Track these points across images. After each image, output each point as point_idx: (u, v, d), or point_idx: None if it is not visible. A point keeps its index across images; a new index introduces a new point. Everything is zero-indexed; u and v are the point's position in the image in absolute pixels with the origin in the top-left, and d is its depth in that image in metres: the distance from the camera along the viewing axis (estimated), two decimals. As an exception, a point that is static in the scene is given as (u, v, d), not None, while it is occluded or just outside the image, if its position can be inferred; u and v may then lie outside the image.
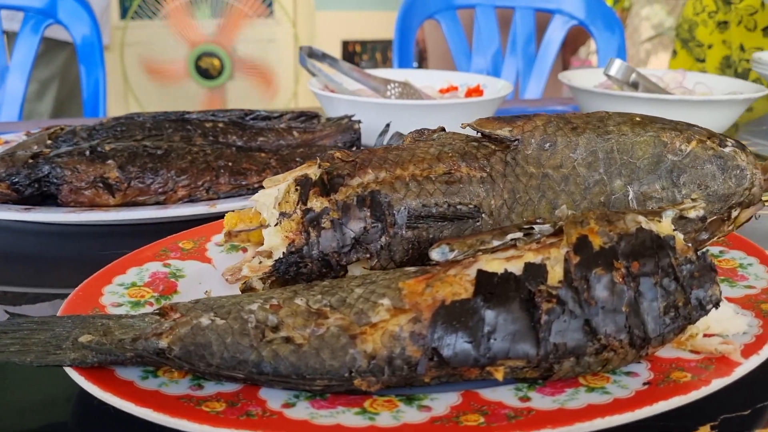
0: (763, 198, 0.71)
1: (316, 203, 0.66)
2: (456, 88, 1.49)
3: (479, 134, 0.73)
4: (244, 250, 0.79)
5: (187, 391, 0.54)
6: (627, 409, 0.50)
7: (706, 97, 1.41)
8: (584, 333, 0.54)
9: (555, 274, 0.55)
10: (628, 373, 0.56)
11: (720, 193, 0.71)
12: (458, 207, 0.68)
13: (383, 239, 0.65)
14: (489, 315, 0.53)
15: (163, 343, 0.55)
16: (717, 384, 0.53)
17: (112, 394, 0.52)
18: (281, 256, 0.65)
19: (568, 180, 0.70)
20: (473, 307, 0.54)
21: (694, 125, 0.75)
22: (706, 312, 0.56)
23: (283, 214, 0.66)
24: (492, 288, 0.54)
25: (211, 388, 0.55)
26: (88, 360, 0.54)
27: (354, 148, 1.13)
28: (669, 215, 0.60)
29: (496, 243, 0.59)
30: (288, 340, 0.54)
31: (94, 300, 0.67)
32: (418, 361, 0.53)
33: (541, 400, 0.53)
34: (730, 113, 1.37)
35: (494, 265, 0.57)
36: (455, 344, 0.53)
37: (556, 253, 0.57)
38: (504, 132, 0.72)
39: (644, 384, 0.54)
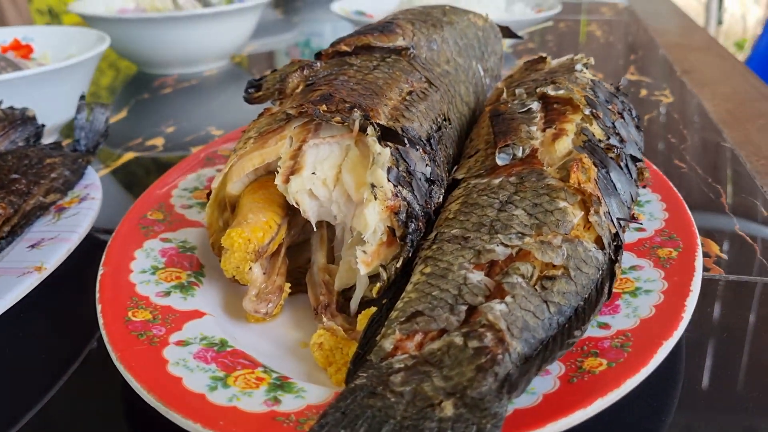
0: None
1: (389, 159, 0.56)
2: None
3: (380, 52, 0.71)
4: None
5: (269, 408, 0.45)
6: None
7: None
8: None
9: (596, 130, 0.66)
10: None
11: (499, 53, 0.90)
12: (444, 116, 0.68)
13: (438, 167, 0.61)
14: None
15: None
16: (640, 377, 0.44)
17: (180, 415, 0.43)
18: (401, 227, 0.54)
19: (459, 70, 0.77)
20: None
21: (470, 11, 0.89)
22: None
23: (373, 186, 0.54)
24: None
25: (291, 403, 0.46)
26: None
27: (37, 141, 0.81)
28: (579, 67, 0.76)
29: (533, 128, 0.65)
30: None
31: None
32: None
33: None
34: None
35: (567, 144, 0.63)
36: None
37: (578, 115, 0.67)
38: (401, 42, 0.72)
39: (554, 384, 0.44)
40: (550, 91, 0.68)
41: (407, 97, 0.65)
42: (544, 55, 0.82)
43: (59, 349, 0.59)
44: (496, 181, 0.60)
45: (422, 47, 0.74)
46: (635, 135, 0.72)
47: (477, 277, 0.50)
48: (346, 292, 0.57)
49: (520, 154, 0.62)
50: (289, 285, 0.58)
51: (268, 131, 0.59)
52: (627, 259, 0.59)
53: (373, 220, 0.53)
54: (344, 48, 0.72)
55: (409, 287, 0.51)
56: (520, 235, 0.54)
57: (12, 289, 0.56)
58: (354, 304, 0.54)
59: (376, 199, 0.53)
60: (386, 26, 0.74)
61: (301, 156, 0.56)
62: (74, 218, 0.68)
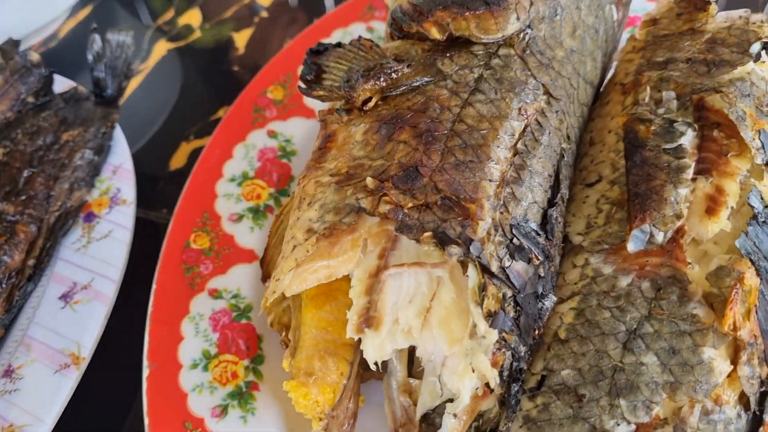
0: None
1: (491, 300, 0.43)
2: None
3: (484, 46, 0.51)
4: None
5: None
6: None
7: None
8: None
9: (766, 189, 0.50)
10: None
11: None
12: (559, 158, 0.51)
13: (552, 267, 0.48)
14: None
15: None
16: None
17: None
18: (503, 389, 0.44)
19: (585, 40, 0.56)
20: None
21: None
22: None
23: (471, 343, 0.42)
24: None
25: None
26: None
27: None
28: (756, 50, 0.55)
29: (682, 191, 0.49)
30: None
31: None
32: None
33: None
34: None
35: (724, 225, 0.48)
36: None
37: (745, 162, 0.50)
38: (513, 25, 0.52)
39: None
40: (712, 102, 0.50)
41: (519, 148, 0.48)
42: (707, -5, 0.59)
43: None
44: (624, 282, 0.48)
45: (542, 21, 0.53)
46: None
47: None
48: (428, 416, 0.49)
49: (660, 240, 0.48)
50: (363, 398, 0.50)
51: (335, 227, 0.45)
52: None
53: (468, 389, 0.43)
54: (433, 32, 0.52)
55: None
56: (647, 404, 0.44)
57: (53, 400, 0.50)
58: None
59: (473, 371, 0.42)
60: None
61: (378, 292, 0.44)
62: (107, 245, 0.58)
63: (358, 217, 0.45)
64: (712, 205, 0.49)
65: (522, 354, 0.44)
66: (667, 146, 0.51)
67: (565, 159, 0.52)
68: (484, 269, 0.43)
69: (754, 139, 0.49)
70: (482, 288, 0.42)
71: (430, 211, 0.44)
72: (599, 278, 0.49)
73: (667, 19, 0.60)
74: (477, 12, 0.51)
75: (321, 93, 0.53)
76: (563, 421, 0.44)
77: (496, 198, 0.46)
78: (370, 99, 0.51)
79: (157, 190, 0.71)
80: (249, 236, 0.60)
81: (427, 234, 0.43)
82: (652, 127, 0.52)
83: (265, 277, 0.54)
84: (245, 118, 0.66)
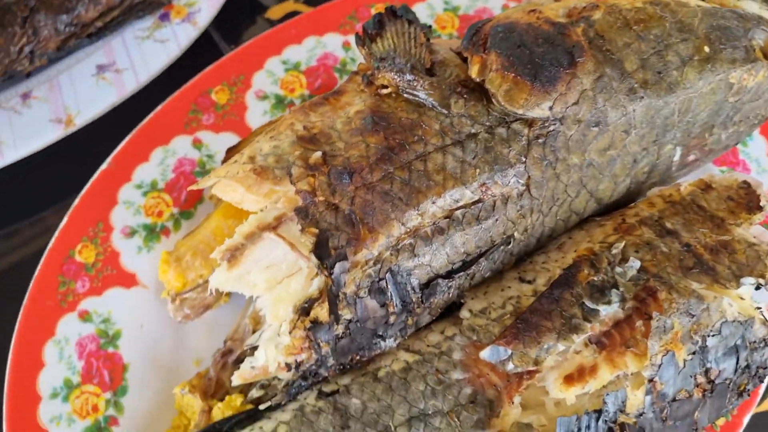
0: None
1: (322, 313, 0.48)
2: None
3: (506, 114, 0.51)
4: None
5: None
6: None
7: None
8: None
9: (635, 400, 0.49)
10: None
11: None
12: (491, 244, 0.52)
13: (410, 321, 0.51)
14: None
15: None
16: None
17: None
18: (288, 382, 0.50)
19: (614, 163, 0.54)
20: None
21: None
22: (762, 381, 0.54)
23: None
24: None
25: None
26: None
27: None
28: (748, 284, 0.51)
29: (562, 347, 0.50)
30: None
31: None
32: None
33: None
34: None
35: (570, 399, 0.49)
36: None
37: (635, 366, 0.49)
38: (543, 110, 0.51)
39: None
40: (661, 299, 0.49)
41: (455, 215, 0.50)
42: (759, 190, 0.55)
43: None
44: (456, 375, 0.50)
45: (577, 123, 0.51)
46: (716, 405, 0.52)
47: None
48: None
49: (507, 368, 0.50)
50: (227, 298, 0.58)
51: (267, 171, 0.50)
52: None
53: (269, 357, 0.49)
54: (475, 69, 0.52)
55: None
56: None
57: (33, 137, 0.61)
58: (236, 380, 0.54)
59: (281, 346, 0.48)
60: (551, 64, 0.50)
61: (252, 243, 0.49)
62: (156, 49, 0.65)
63: (285, 177, 0.49)
64: (575, 376, 0.50)
65: (329, 365, 0.49)
66: (587, 303, 0.50)
67: (507, 248, 0.53)
68: (330, 288, 0.47)
69: (656, 354, 0.48)
70: (311, 300, 0.47)
71: (333, 214, 0.48)
72: (444, 357, 0.51)
73: (717, 194, 0.56)
74: (519, 78, 0.50)
75: (365, 51, 0.55)
76: (318, 433, 0.50)
77: (396, 240, 0.48)
78: (386, 87, 0.53)
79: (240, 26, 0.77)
80: (135, 257, 0.59)
81: (313, 230, 0.47)
82: (594, 278, 0.51)
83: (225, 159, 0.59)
84: (178, 117, 0.61)
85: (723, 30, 0.54)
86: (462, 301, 0.54)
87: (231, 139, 0.63)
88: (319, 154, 0.50)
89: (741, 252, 0.52)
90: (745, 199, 0.55)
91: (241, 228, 0.50)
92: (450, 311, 0.54)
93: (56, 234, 0.59)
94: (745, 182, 0.56)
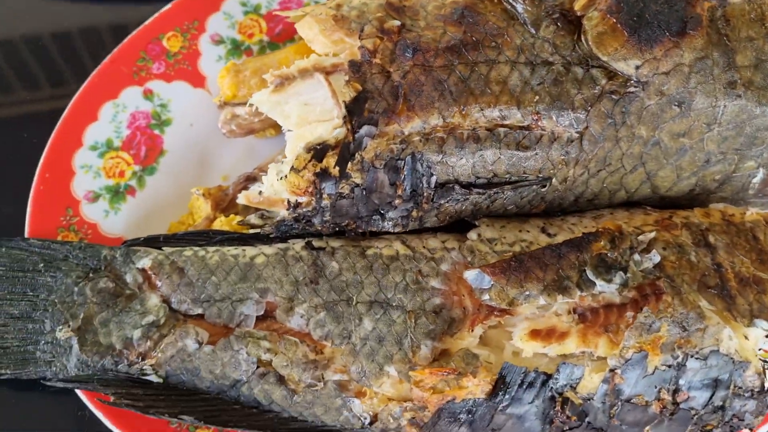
0: None
1: (330, 162, 0.49)
2: None
3: (590, 56, 0.48)
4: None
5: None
6: None
7: None
8: None
9: (590, 382, 0.48)
10: None
11: None
12: (523, 177, 0.51)
13: (414, 213, 0.51)
14: (499, 418, 0.48)
15: (149, 368, 0.50)
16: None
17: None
18: (282, 219, 0.52)
19: (684, 153, 0.51)
20: (485, 410, 0.48)
21: None
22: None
23: (293, 169, 0.50)
24: (512, 391, 0.47)
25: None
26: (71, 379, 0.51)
27: None
28: (761, 328, 0.47)
29: (543, 302, 0.48)
30: (281, 380, 0.50)
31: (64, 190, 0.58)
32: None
33: None
34: None
35: (527, 352, 0.48)
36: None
37: (604, 350, 0.47)
38: (629, 66, 0.48)
39: None
40: (664, 299, 0.47)
41: (498, 130, 0.49)
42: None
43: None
44: (432, 283, 0.50)
45: (659, 95, 0.48)
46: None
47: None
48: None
49: (483, 298, 0.49)
50: (274, 131, 0.60)
51: (346, 20, 0.51)
52: None
53: (275, 183, 0.51)
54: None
55: None
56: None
57: None
58: (241, 199, 0.55)
59: (289, 174, 0.50)
60: (659, 25, 0.47)
61: (302, 78, 0.50)
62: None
63: (358, 31, 0.50)
64: (542, 333, 0.48)
65: (324, 218, 0.51)
66: (587, 272, 0.49)
67: (542, 191, 0.51)
68: (348, 144, 0.48)
69: (628, 348, 0.46)
70: (325, 145, 0.48)
71: (383, 80, 0.48)
72: (431, 264, 0.51)
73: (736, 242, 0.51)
74: (618, 25, 0.48)
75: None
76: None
77: (430, 129, 0.48)
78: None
79: None
80: (103, 221, 0.58)
81: (357, 86, 0.48)
82: (608, 252, 0.49)
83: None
84: (127, 66, 0.59)
85: None
86: (476, 223, 0.53)
87: (185, 89, 0.61)
88: (396, 23, 0.50)
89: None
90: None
91: (300, 62, 0.51)
92: (462, 230, 0.54)
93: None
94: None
